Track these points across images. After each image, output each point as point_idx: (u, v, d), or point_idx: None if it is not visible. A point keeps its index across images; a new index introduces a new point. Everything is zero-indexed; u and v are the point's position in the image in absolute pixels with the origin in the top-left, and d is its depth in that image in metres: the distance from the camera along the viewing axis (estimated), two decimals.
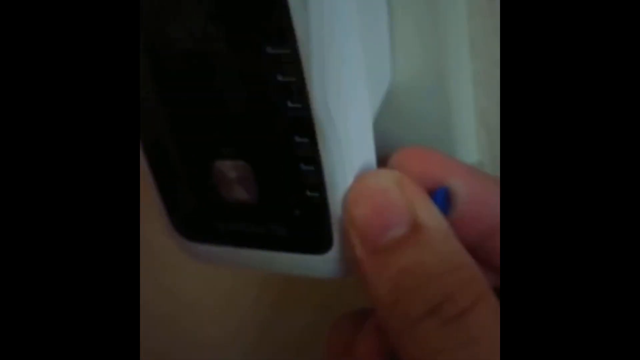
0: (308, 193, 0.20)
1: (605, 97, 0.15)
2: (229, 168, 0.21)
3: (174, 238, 0.24)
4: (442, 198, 0.20)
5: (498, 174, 0.26)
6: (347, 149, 0.19)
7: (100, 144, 0.17)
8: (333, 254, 0.20)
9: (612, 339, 0.15)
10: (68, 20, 0.17)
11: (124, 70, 0.17)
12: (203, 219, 0.23)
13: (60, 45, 0.17)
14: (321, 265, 0.21)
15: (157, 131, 0.21)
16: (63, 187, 0.17)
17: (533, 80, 0.16)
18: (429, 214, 0.19)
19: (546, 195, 0.16)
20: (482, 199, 0.20)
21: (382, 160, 0.21)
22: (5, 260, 0.16)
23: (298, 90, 0.18)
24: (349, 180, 0.19)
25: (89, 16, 0.17)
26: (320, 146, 0.19)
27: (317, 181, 0.20)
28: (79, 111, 0.17)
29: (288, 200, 0.21)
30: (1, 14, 0.16)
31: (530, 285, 0.16)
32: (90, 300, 0.17)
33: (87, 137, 0.17)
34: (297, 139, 0.19)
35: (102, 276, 0.17)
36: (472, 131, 0.25)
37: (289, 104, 0.19)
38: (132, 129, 0.18)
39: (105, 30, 0.17)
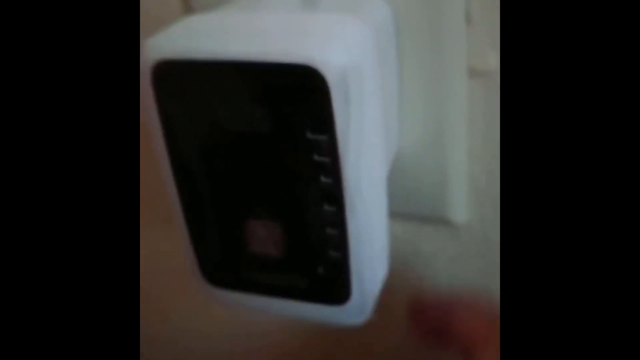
0: (332, 253, 0.23)
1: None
2: (260, 227, 0.24)
3: (199, 283, 0.26)
4: None
5: (484, 232, 0.29)
6: (371, 216, 0.22)
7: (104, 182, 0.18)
8: (351, 304, 0.24)
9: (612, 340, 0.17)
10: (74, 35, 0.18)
11: (123, 83, 0.19)
12: (230, 268, 0.25)
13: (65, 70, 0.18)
14: (340, 314, 0.24)
15: (197, 192, 0.24)
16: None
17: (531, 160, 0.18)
18: None
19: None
20: None
21: None
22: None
23: (331, 168, 0.21)
24: (371, 241, 0.23)
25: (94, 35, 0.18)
26: (348, 214, 0.22)
27: (340, 243, 0.23)
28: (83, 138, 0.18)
29: (313, 258, 0.23)
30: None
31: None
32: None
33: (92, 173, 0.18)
34: (327, 207, 0.22)
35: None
36: (463, 194, 0.28)
37: (322, 179, 0.22)
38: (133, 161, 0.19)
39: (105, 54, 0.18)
